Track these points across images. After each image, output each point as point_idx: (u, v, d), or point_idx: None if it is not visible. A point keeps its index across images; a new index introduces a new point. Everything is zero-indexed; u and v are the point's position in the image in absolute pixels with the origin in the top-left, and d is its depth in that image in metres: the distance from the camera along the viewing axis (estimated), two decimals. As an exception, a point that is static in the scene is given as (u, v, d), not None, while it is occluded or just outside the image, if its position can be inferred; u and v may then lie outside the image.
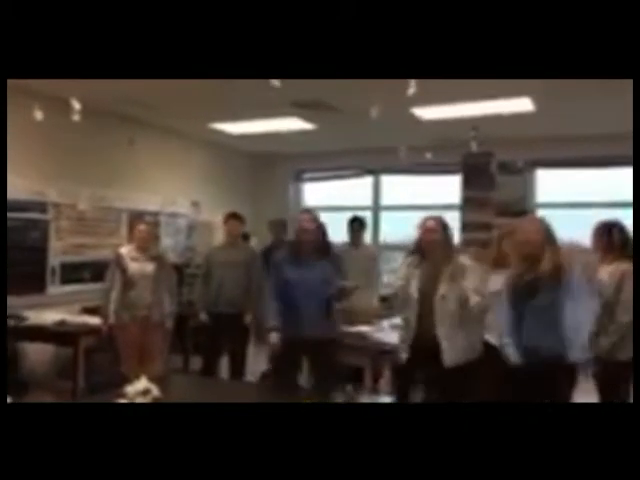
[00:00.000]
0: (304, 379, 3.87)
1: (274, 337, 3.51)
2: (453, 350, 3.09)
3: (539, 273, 2.91)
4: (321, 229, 3.57)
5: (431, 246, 3.19)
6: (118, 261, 4.29)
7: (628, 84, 3.53)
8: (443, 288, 3.11)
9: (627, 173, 6.48)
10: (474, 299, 3.04)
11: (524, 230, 3.02)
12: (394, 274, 3.44)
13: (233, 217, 4.82)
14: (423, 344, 3.16)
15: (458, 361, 3.08)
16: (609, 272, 3.31)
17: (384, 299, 5.17)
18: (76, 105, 4.18)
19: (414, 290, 3.20)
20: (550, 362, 2.86)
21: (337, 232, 5.98)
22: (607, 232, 3.40)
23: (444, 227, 3.26)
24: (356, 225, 5.31)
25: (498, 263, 3.38)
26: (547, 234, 3.00)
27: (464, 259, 3.21)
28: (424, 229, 3.25)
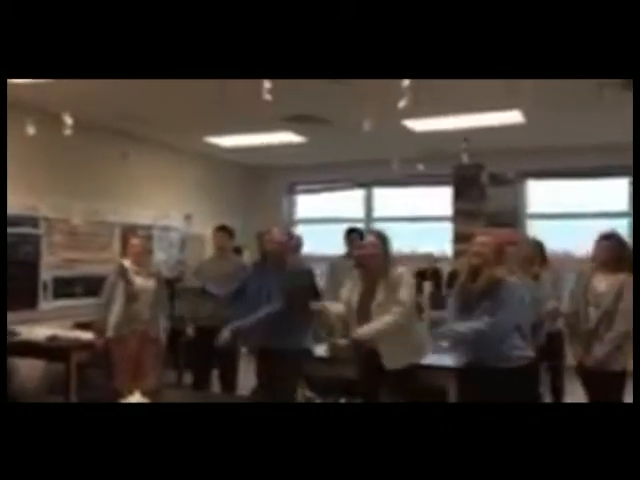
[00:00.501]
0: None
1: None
2: (392, 354, 3.22)
3: (475, 287, 3.02)
4: (288, 243, 3.79)
5: (366, 260, 3.35)
6: (123, 274, 4.24)
7: (619, 96, 3.60)
8: (379, 297, 3.25)
9: (618, 184, 6.56)
10: (396, 309, 3.19)
11: (475, 243, 3.13)
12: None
13: (222, 230, 4.80)
14: (362, 350, 3.30)
15: (398, 365, 3.21)
16: (607, 282, 3.33)
17: None
18: (68, 120, 4.19)
19: (355, 300, 3.36)
20: (491, 370, 2.96)
21: (330, 244, 6.00)
22: (611, 245, 3.42)
23: (383, 240, 3.39)
24: (354, 236, 5.29)
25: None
26: (501, 249, 3.12)
27: (400, 269, 3.35)
28: (361, 245, 3.52)
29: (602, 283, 3.35)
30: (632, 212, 4.91)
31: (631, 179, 6.44)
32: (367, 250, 3.37)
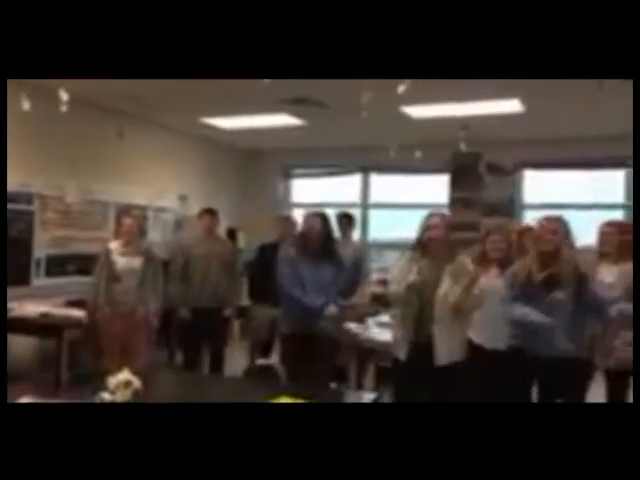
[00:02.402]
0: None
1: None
2: (445, 349, 3.04)
3: (556, 271, 2.94)
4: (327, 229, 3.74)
5: (435, 243, 3.11)
6: (106, 256, 4.26)
7: (619, 86, 3.56)
8: (445, 286, 3.05)
9: (616, 175, 6.56)
10: (471, 300, 3.03)
11: (543, 228, 3.06)
12: (390, 271, 3.38)
13: (207, 212, 4.81)
14: (420, 341, 3.11)
15: (449, 360, 3.05)
16: (615, 272, 3.27)
17: (376, 297, 5.17)
18: (64, 96, 4.15)
19: (414, 287, 3.11)
20: (562, 359, 2.91)
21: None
22: (615, 233, 3.38)
23: (448, 225, 3.19)
24: (345, 221, 5.30)
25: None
26: (566, 234, 3.05)
27: (465, 259, 3.17)
28: (430, 225, 3.15)
29: (609, 274, 3.28)
30: (633, 209, 4.87)
31: (629, 171, 6.45)
32: (438, 232, 3.10)
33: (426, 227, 3.16)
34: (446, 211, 7.03)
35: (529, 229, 3.68)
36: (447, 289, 3.03)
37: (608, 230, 3.38)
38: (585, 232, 3.51)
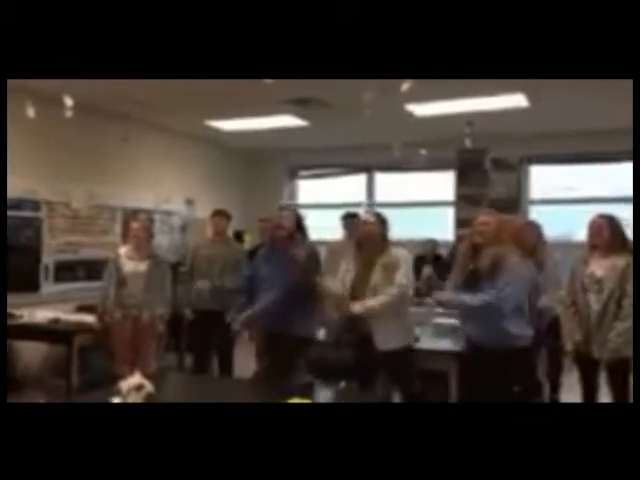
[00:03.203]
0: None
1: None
2: (384, 335, 3.23)
3: (478, 266, 3.04)
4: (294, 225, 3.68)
5: (365, 238, 3.35)
6: (114, 259, 4.29)
7: (625, 81, 3.53)
8: (375, 278, 3.24)
9: (623, 168, 6.52)
10: (391, 289, 3.20)
11: (477, 222, 3.14)
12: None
13: (219, 214, 4.78)
14: (357, 331, 3.30)
15: (390, 347, 3.22)
16: (606, 266, 3.28)
17: None
18: (69, 102, 4.16)
19: (348, 279, 3.35)
20: (493, 350, 2.99)
21: (331, 229, 5.98)
22: (606, 226, 3.38)
23: (382, 222, 3.40)
24: (349, 220, 5.27)
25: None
26: (502, 230, 3.12)
27: (398, 251, 3.33)
28: (361, 223, 3.52)
29: (600, 268, 3.30)
30: (633, 206, 4.85)
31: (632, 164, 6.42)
32: (367, 229, 3.37)
33: (358, 226, 3.54)
34: (453, 208, 7.04)
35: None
36: (377, 281, 3.24)
37: (598, 223, 3.38)
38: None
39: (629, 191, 6.46)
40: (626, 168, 6.50)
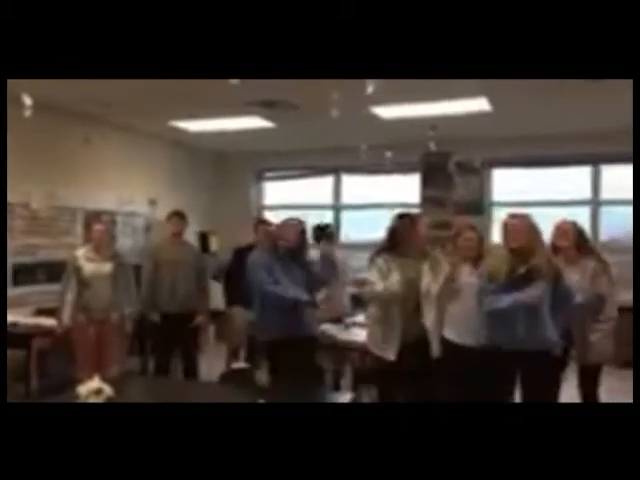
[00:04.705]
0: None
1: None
2: (435, 344, 3.18)
3: (531, 267, 2.98)
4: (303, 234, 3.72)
5: (414, 241, 3.30)
6: (74, 263, 4.19)
7: (583, 86, 3.59)
8: (426, 283, 3.17)
9: (582, 172, 6.71)
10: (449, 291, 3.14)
11: (512, 226, 3.09)
12: (368, 272, 3.45)
13: (177, 215, 4.75)
14: (411, 340, 3.21)
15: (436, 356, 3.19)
16: (576, 271, 3.34)
17: (355, 298, 5.17)
18: (28, 101, 4.06)
19: (397, 286, 3.24)
20: (534, 354, 2.94)
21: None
22: (572, 231, 3.47)
23: (422, 224, 3.42)
24: (319, 232, 5.27)
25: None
26: (535, 231, 3.10)
27: (437, 254, 3.30)
28: (405, 226, 3.37)
29: (569, 274, 3.30)
30: (633, 208, 4.95)
31: (594, 168, 6.61)
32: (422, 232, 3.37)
33: (401, 228, 3.31)
34: (418, 210, 7.11)
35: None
36: (427, 286, 3.15)
37: (564, 227, 3.48)
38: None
39: (587, 194, 6.67)
40: (584, 171, 6.70)
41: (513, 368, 3.02)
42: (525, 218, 3.13)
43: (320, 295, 3.99)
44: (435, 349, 3.16)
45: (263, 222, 5.17)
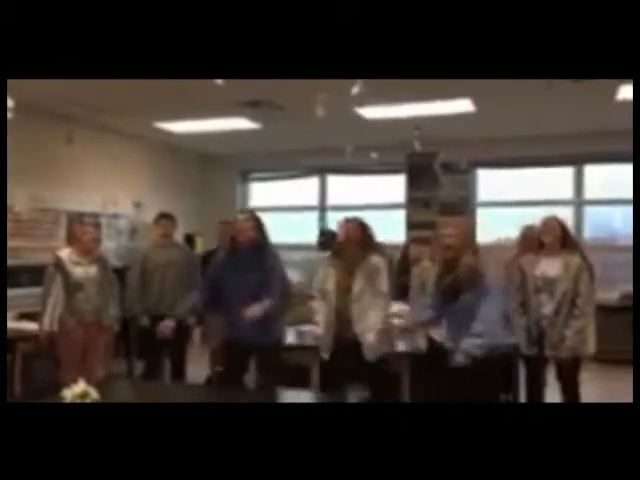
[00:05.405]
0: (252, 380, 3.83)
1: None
2: (369, 345, 3.22)
3: (457, 276, 2.97)
4: (257, 228, 3.48)
5: (346, 245, 3.33)
6: (58, 265, 4.11)
7: (568, 88, 3.60)
8: (358, 285, 3.24)
9: (564, 172, 6.78)
10: (380, 301, 3.24)
11: (445, 233, 3.05)
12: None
13: (165, 216, 4.70)
14: (343, 341, 3.27)
15: (376, 356, 3.23)
16: (558, 265, 3.38)
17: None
18: (10, 102, 4.01)
19: (331, 288, 3.32)
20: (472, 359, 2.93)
21: (284, 232, 5.99)
22: (559, 226, 3.52)
23: (363, 228, 3.39)
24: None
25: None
26: (468, 237, 3.13)
27: (377, 259, 3.33)
28: (343, 229, 3.43)
29: (551, 267, 3.39)
30: (633, 208, 5.00)
31: (576, 168, 6.68)
32: (349, 233, 3.34)
33: (340, 230, 3.44)
34: (404, 211, 7.14)
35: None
36: (360, 288, 3.24)
37: (551, 224, 3.52)
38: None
39: (569, 194, 6.73)
40: (567, 171, 6.77)
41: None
42: (461, 219, 3.25)
43: None
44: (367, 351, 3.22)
45: (226, 222, 5.04)
